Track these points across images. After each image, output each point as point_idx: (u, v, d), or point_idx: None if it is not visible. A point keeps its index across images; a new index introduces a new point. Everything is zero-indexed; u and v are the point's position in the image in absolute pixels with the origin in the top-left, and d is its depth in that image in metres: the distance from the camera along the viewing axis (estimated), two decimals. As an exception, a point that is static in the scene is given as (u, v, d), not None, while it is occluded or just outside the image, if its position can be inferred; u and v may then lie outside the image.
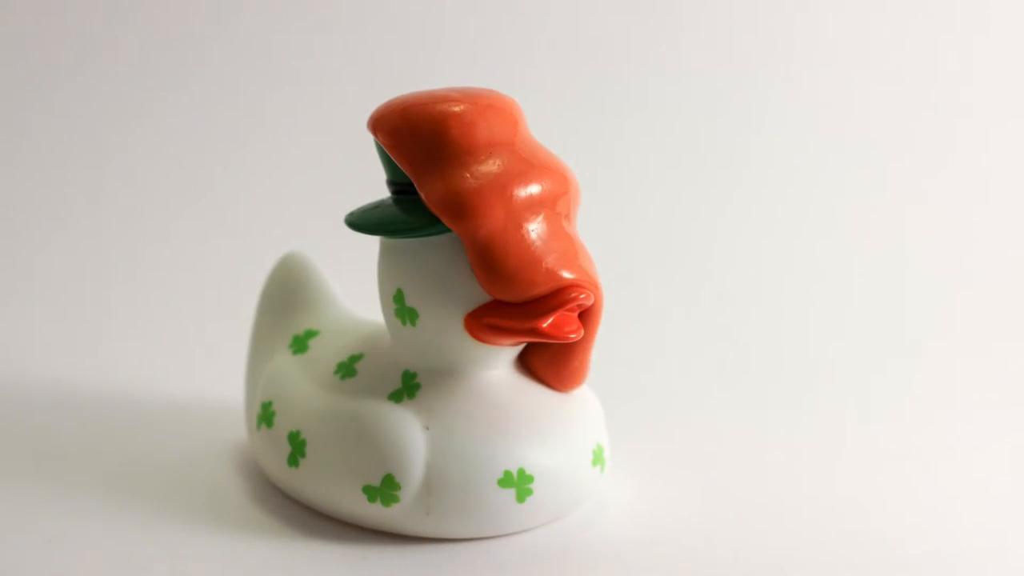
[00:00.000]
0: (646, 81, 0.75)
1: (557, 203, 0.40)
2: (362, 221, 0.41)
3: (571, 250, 0.40)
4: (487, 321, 0.40)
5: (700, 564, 0.41)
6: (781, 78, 0.75)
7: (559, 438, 0.42)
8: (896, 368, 0.58)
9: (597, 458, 0.43)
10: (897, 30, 0.76)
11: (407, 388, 0.42)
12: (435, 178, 0.39)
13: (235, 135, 0.73)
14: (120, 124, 0.73)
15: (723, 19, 0.76)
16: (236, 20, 0.75)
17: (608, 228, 0.69)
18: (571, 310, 0.40)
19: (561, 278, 0.39)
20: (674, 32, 0.76)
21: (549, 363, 0.42)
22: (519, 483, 0.41)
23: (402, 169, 0.40)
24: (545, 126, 0.46)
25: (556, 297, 0.39)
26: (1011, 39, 0.75)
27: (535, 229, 0.40)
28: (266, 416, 0.44)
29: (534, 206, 0.40)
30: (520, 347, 0.42)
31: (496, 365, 0.42)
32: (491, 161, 0.39)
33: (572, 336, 0.40)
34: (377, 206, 0.42)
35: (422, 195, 0.39)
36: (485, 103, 0.40)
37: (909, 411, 0.54)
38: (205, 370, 0.56)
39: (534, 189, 0.40)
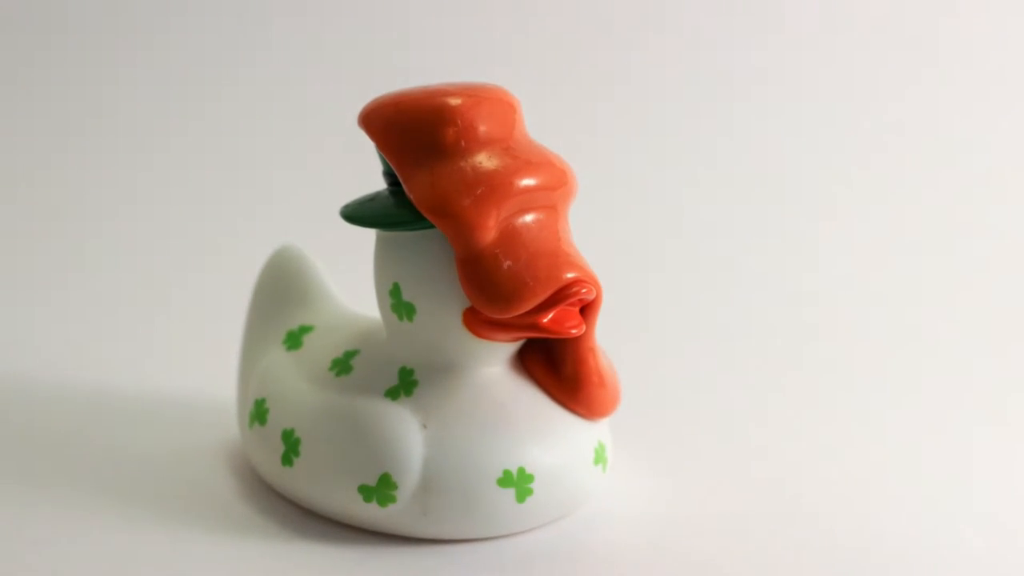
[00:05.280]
0: (647, 77, 0.75)
1: (553, 200, 0.40)
2: (357, 213, 0.41)
3: (568, 250, 0.40)
4: (486, 316, 0.39)
5: (703, 564, 0.41)
6: (784, 73, 0.75)
7: (560, 436, 0.41)
8: (901, 364, 0.58)
9: (599, 457, 0.42)
10: (898, 25, 0.76)
11: (404, 385, 0.41)
12: (424, 179, 0.39)
13: (229, 128, 0.74)
14: (114, 119, 0.74)
15: (725, 13, 0.76)
16: (231, 14, 0.75)
17: (609, 224, 0.69)
18: (572, 304, 0.39)
19: (560, 279, 0.39)
20: (675, 27, 0.76)
21: (567, 385, 0.42)
22: (519, 483, 0.40)
23: (392, 166, 0.39)
24: (545, 124, 0.45)
25: (557, 293, 0.39)
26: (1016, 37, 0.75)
27: (530, 235, 0.39)
28: (259, 414, 0.43)
29: (528, 207, 0.39)
30: (520, 343, 0.42)
31: (495, 362, 0.42)
32: (485, 160, 0.39)
33: (573, 331, 0.39)
34: (373, 198, 0.41)
35: (412, 197, 0.39)
36: (482, 97, 0.39)
37: (914, 408, 0.54)
38: (197, 367, 0.55)
39: (529, 189, 0.39)
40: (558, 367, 0.42)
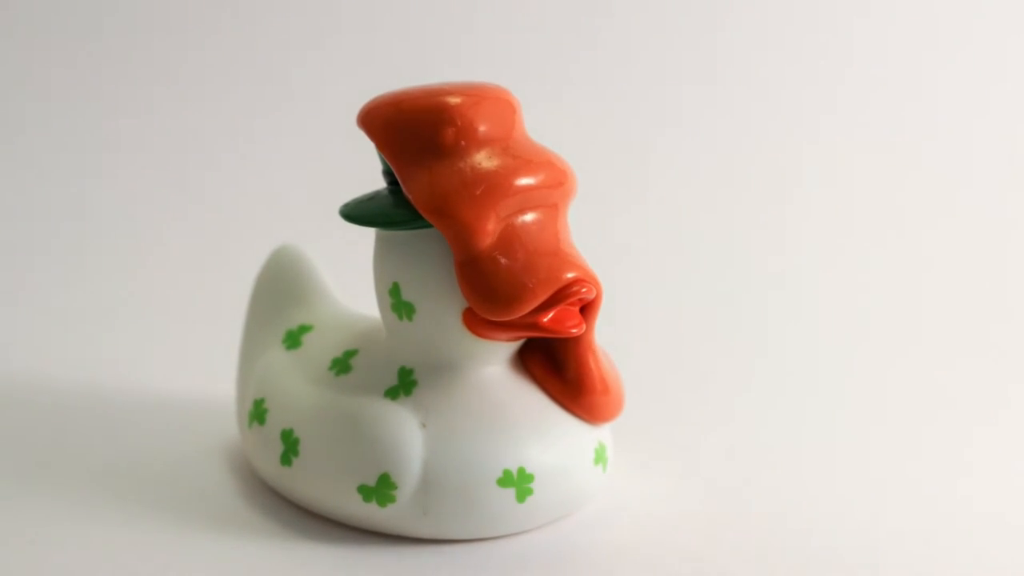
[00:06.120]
0: (647, 77, 0.75)
1: (553, 199, 0.40)
2: (357, 212, 0.40)
3: (568, 249, 0.39)
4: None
5: (704, 565, 0.40)
6: (787, 72, 0.75)
7: (560, 436, 0.41)
8: (903, 366, 0.58)
9: (599, 457, 0.42)
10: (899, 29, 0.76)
11: (404, 385, 0.41)
12: (423, 179, 0.38)
13: (227, 126, 0.73)
14: (112, 118, 0.74)
15: (726, 13, 0.76)
16: (231, 13, 0.75)
17: (609, 224, 0.69)
18: (572, 304, 0.39)
19: (560, 279, 0.38)
20: (675, 26, 0.76)
21: (570, 389, 0.41)
22: (519, 482, 0.40)
23: (391, 166, 0.39)
24: (545, 124, 0.45)
25: (557, 292, 0.38)
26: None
27: (529, 236, 0.39)
28: (258, 414, 0.43)
29: (528, 206, 0.39)
30: (520, 343, 0.42)
31: (495, 361, 0.42)
32: (485, 160, 0.39)
33: (574, 331, 0.39)
34: (372, 197, 0.41)
35: (410, 197, 0.39)
36: (482, 97, 0.39)
37: (916, 409, 0.53)
38: (196, 366, 0.55)
39: (529, 188, 0.39)
40: (560, 369, 0.42)
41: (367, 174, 0.44)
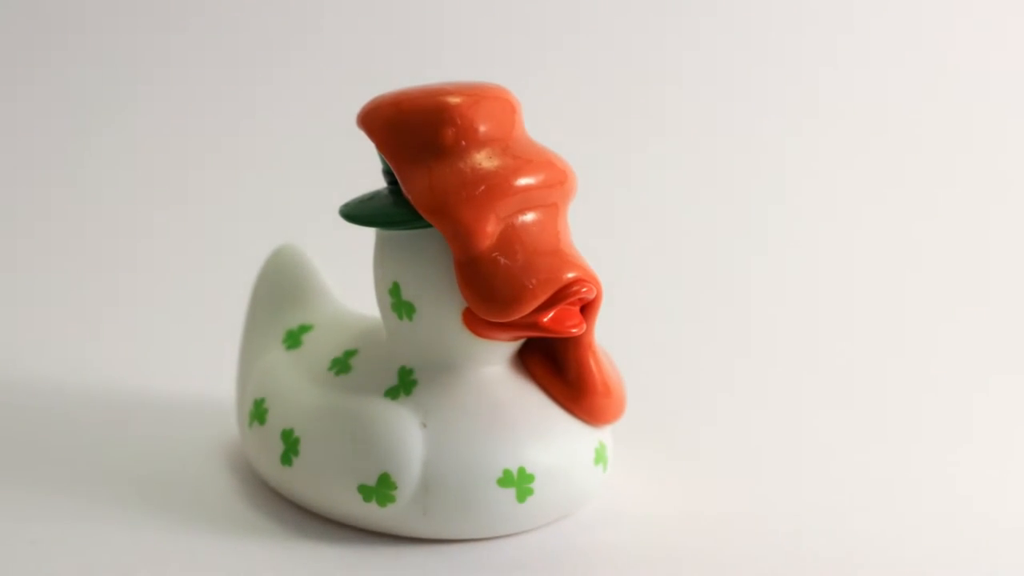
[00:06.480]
0: (648, 77, 0.75)
1: (553, 199, 0.40)
2: (357, 212, 0.40)
3: (568, 249, 0.39)
4: (486, 316, 0.39)
5: (705, 565, 0.40)
6: (789, 73, 0.75)
7: (560, 436, 0.41)
8: (903, 367, 0.58)
9: (599, 457, 0.42)
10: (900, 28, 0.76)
11: (404, 385, 0.41)
12: (423, 179, 0.38)
13: (228, 126, 0.73)
14: (110, 115, 0.74)
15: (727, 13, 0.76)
16: (231, 13, 0.75)
17: (610, 225, 0.69)
18: (572, 303, 0.39)
19: (560, 279, 0.38)
20: (675, 26, 0.76)
21: (572, 391, 0.41)
22: (519, 482, 0.40)
23: (391, 166, 0.39)
24: (545, 124, 0.45)
25: (557, 292, 0.38)
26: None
27: (529, 236, 0.39)
28: (258, 413, 0.43)
29: (528, 206, 0.39)
30: (520, 343, 0.42)
31: (495, 361, 0.41)
32: (485, 160, 0.39)
33: (574, 330, 0.39)
34: (372, 197, 0.41)
35: (410, 197, 0.38)
36: (482, 96, 0.39)
37: (917, 410, 0.53)
38: (196, 366, 0.55)
39: (528, 188, 0.39)
40: (561, 370, 0.42)
41: (367, 174, 0.44)
